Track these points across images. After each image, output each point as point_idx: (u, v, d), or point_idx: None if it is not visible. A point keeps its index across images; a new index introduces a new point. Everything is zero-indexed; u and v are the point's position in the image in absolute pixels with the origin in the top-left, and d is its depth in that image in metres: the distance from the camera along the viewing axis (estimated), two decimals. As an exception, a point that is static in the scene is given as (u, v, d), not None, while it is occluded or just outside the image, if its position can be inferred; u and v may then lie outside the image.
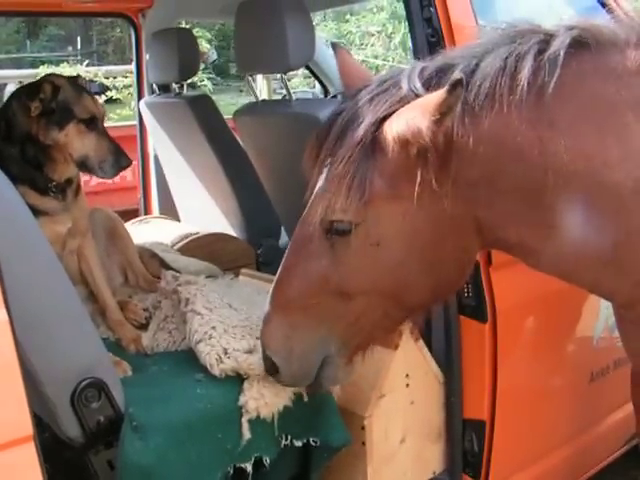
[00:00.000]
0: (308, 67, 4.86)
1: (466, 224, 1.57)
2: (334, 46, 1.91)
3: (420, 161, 1.48)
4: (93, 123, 2.37)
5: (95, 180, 5.51)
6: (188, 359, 2.12)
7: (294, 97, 2.78)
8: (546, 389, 2.46)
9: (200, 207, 3.79)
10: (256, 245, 3.48)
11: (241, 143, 3.31)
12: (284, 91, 2.87)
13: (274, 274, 2.84)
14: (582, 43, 1.49)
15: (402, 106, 1.49)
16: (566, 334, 2.50)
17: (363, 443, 2.11)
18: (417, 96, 1.49)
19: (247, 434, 1.89)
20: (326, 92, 5.04)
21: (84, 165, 2.37)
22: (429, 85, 1.51)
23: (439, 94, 1.40)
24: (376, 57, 13.77)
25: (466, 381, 2.27)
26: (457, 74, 1.42)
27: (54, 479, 1.95)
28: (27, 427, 1.22)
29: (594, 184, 1.48)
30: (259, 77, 8.66)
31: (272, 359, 1.74)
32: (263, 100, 3.21)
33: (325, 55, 4.79)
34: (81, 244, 2.46)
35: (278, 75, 2.82)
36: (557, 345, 2.48)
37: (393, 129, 1.46)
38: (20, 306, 1.40)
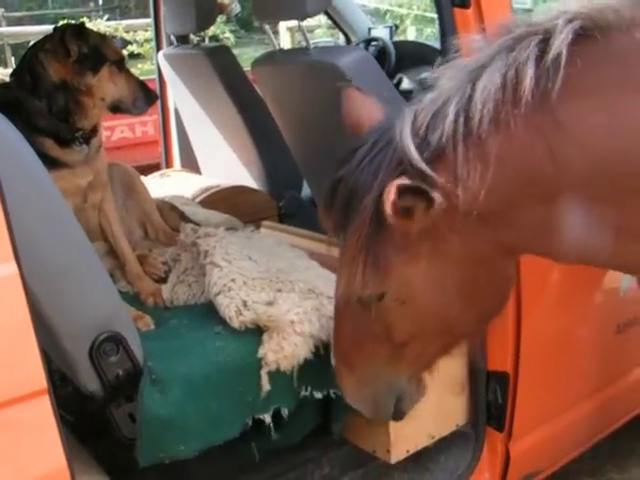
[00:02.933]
0: (330, 16, 4.77)
1: (491, 252, 1.51)
2: (342, 86, 1.75)
3: (427, 218, 1.43)
4: (122, 64, 2.40)
5: (117, 135, 5.60)
6: (207, 312, 2.12)
7: (312, 45, 2.72)
8: (571, 340, 2.42)
9: (221, 160, 3.76)
10: (278, 197, 3.46)
11: (260, 94, 3.26)
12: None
13: (296, 226, 2.84)
14: (586, 34, 1.38)
15: (400, 173, 1.42)
16: (591, 284, 2.45)
17: (385, 396, 2.10)
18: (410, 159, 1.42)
19: (266, 386, 1.89)
20: (348, 42, 4.92)
21: (117, 107, 2.41)
22: (423, 140, 1.43)
23: (389, 197, 1.36)
24: (400, 6, 13.51)
25: (489, 333, 2.23)
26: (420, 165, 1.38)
27: (79, 431, 1.99)
28: (41, 381, 1.21)
29: (616, 175, 1.38)
30: (282, 29, 8.56)
31: None
32: (280, 49, 3.15)
33: (346, 2, 4.69)
34: (101, 198, 2.45)
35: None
36: (582, 296, 2.44)
37: (390, 202, 1.39)
38: (33, 258, 1.39)
